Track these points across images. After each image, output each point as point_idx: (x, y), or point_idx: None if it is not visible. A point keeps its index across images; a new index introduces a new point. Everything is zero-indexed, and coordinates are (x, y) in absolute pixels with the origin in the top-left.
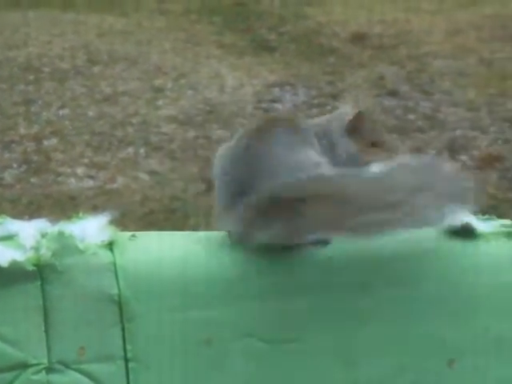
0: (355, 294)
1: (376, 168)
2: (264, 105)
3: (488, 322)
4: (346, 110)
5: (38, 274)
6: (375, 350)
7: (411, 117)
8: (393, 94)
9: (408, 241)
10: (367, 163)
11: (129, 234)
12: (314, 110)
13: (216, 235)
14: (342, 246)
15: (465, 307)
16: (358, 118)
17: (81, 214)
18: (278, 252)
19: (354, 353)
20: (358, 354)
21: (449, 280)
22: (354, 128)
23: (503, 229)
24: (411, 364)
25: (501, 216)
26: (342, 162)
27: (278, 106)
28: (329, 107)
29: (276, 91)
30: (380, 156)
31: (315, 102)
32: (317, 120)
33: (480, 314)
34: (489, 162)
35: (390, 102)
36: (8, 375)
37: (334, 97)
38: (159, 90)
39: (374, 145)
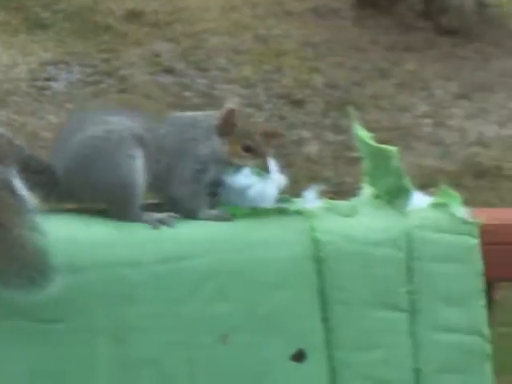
0: (126, 271)
1: None
2: (39, 83)
3: (259, 298)
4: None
5: None
6: (146, 327)
7: (187, 94)
8: (169, 71)
9: (181, 220)
10: (237, 166)
11: None
12: (89, 88)
13: None
14: (109, 226)
15: (235, 283)
16: (229, 116)
17: None
18: (54, 233)
19: (123, 329)
20: (127, 330)
21: (219, 256)
22: (226, 127)
23: (276, 205)
24: (184, 341)
25: None
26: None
27: (53, 84)
28: (104, 85)
29: (51, 69)
30: (250, 162)
31: (90, 79)
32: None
33: (251, 291)
34: (265, 138)
35: (165, 79)
36: None
37: (109, 74)
38: None
39: (246, 149)
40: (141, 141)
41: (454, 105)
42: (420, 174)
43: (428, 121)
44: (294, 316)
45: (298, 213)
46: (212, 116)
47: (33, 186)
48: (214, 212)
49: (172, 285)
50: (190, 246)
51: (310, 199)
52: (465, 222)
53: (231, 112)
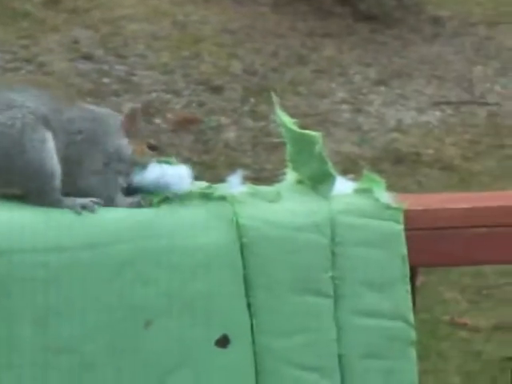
0: (47, 255)
1: None
2: None
3: (183, 283)
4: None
5: None
6: (71, 312)
7: (106, 80)
8: (87, 57)
9: (104, 208)
10: (142, 164)
11: None
12: (9, 75)
13: None
14: (32, 211)
15: (157, 269)
16: (133, 116)
17: None
18: None
19: (48, 314)
20: (53, 315)
21: (141, 242)
22: (130, 128)
23: (197, 190)
24: (107, 325)
25: None
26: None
27: None
28: (23, 71)
29: None
30: (152, 159)
31: (10, 66)
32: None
33: (174, 276)
34: (183, 124)
35: (84, 66)
36: None
37: (29, 61)
38: None
39: (152, 148)
40: (47, 123)
41: (372, 91)
42: (339, 160)
43: (346, 107)
44: (218, 301)
45: (222, 198)
46: (116, 116)
47: None
48: (130, 199)
49: (94, 270)
50: (113, 232)
51: (234, 184)
52: (389, 207)
53: (135, 112)
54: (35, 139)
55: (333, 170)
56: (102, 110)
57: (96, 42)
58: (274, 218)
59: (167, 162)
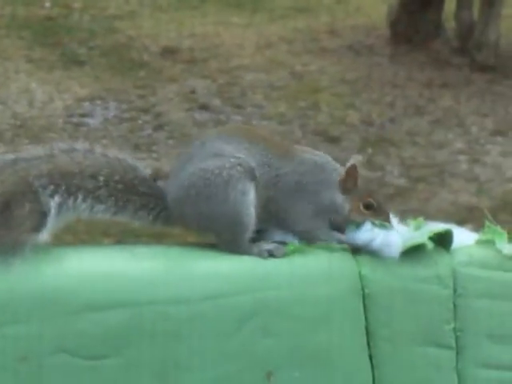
0: (172, 308)
1: None
2: (75, 119)
3: (304, 334)
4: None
5: None
6: (190, 364)
7: None
8: (204, 107)
9: (218, 258)
10: (355, 222)
11: None
12: (125, 124)
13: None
14: (159, 262)
15: (278, 320)
16: (353, 172)
17: None
18: (104, 268)
19: (168, 366)
20: (173, 367)
21: (261, 293)
22: (349, 184)
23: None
24: (227, 377)
25: None
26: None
27: (89, 120)
28: (140, 121)
29: (87, 105)
30: (371, 220)
31: (126, 116)
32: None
33: (295, 327)
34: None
35: (201, 116)
36: None
37: (145, 111)
38: None
39: (367, 207)
40: (252, 175)
41: (489, 141)
42: (456, 211)
43: (464, 157)
44: (341, 352)
45: (344, 249)
46: (336, 170)
47: (140, 207)
48: (264, 245)
49: (216, 322)
50: (231, 282)
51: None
52: (511, 258)
53: (355, 170)
54: (238, 190)
55: (448, 230)
56: (321, 160)
57: (213, 92)
58: (396, 269)
59: (382, 226)
